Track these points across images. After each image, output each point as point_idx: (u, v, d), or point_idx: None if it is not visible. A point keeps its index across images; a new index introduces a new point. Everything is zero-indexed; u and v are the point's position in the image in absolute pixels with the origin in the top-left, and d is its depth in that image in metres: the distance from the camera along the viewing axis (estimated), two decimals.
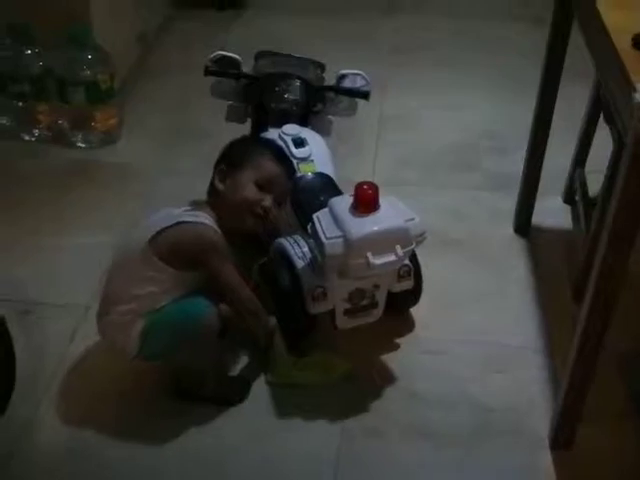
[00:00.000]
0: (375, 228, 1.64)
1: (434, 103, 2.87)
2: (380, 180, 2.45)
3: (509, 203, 2.31)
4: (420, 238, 1.71)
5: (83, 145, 2.60)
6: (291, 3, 3.58)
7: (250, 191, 1.72)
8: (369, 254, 1.63)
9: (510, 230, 2.28)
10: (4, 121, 2.63)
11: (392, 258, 1.65)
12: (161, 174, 2.48)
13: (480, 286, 2.09)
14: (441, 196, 2.41)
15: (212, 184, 1.75)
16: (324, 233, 1.65)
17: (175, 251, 1.61)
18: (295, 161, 1.93)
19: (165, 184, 2.42)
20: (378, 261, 1.63)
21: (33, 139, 2.63)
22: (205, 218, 1.66)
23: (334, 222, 1.67)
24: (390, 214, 1.68)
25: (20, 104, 2.59)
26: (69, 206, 2.34)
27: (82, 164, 2.53)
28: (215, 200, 1.73)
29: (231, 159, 1.77)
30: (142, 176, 2.48)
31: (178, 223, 1.63)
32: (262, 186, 1.73)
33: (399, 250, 1.65)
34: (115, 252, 1.72)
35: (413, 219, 1.70)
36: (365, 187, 1.68)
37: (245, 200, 1.71)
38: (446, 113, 2.82)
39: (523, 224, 2.27)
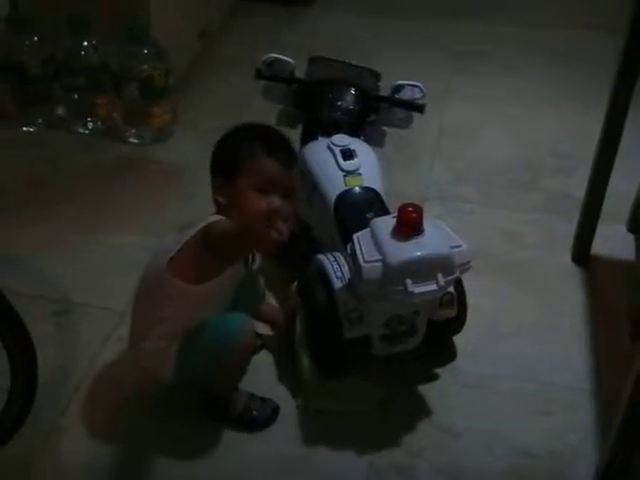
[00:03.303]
0: (417, 254, 1.55)
1: (497, 115, 2.74)
2: (433, 195, 2.39)
3: (569, 228, 2.18)
4: (465, 267, 1.61)
5: (135, 141, 2.57)
6: (358, 2, 3.48)
7: (253, 202, 1.55)
8: (408, 281, 1.53)
9: (568, 257, 2.15)
10: (59, 112, 2.63)
11: (432, 287, 1.55)
12: (208, 175, 2.42)
13: (530, 317, 1.97)
14: (497, 216, 2.30)
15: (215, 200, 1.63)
16: (363, 255, 1.57)
17: (190, 262, 1.53)
18: (342, 173, 1.86)
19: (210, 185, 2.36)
20: (417, 289, 1.54)
21: (86, 132, 2.61)
22: (214, 217, 1.56)
23: (374, 244, 1.58)
24: (434, 239, 1.58)
25: (75, 96, 2.57)
26: (114, 204, 2.31)
27: (132, 161, 2.50)
28: (222, 210, 1.60)
29: (223, 168, 1.63)
30: (190, 177, 2.42)
31: (191, 237, 1.53)
32: (263, 190, 1.57)
33: (441, 279, 1.55)
34: (140, 279, 1.65)
35: (459, 246, 1.60)
36: (409, 209, 1.58)
37: (253, 215, 1.48)
38: (509, 126, 2.69)
39: (582, 252, 2.13)
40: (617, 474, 1.51)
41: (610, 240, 2.16)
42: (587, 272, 2.10)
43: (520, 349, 1.88)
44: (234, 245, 1.49)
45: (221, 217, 1.55)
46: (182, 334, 1.55)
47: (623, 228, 2.23)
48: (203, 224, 1.53)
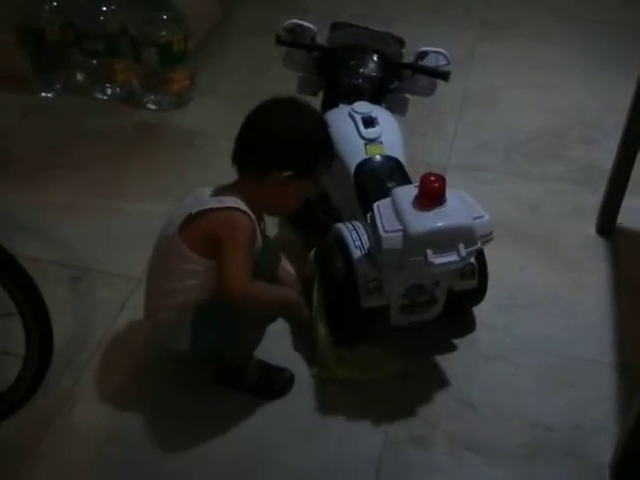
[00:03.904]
0: (438, 224, 1.52)
1: (523, 82, 2.68)
2: (456, 164, 2.35)
3: (594, 199, 2.14)
4: (487, 238, 1.57)
5: (154, 107, 2.55)
6: None
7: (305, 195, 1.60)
8: (429, 252, 1.51)
9: (592, 229, 2.10)
10: (78, 77, 2.61)
11: (454, 258, 1.52)
12: (228, 142, 2.37)
13: (553, 289, 1.93)
14: (521, 186, 2.25)
15: (248, 171, 1.56)
16: (383, 225, 1.54)
17: (205, 239, 1.49)
18: (363, 141, 1.82)
19: (230, 153, 2.29)
20: (438, 260, 1.51)
21: (105, 97, 2.59)
22: (234, 202, 1.51)
23: (395, 214, 1.55)
24: (456, 210, 1.55)
25: (94, 62, 2.55)
26: (131, 169, 2.30)
27: (150, 126, 2.48)
28: (252, 189, 1.54)
29: (299, 167, 1.53)
30: (208, 143, 2.40)
31: (206, 211, 1.50)
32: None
33: (462, 250, 1.52)
34: (153, 249, 1.63)
35: (482, 217, 1.56)
36: (432, 179, 1.55)
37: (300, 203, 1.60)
38: (535, 94, 2.64)
39: (607, 224, 2.09)
40: (634, 454, 1.49)
41: (635, 212, 2.11)
42: (612, 244, 2.06)
43: (541, 321, 1.85)
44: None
45: (235, 200, 1.51)
46: (196, 305, 1.53)
47: None
48: (221, 205, 1.49)
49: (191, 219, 1.50)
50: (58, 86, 2.59)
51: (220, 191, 1.56)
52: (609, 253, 2.03)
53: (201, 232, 1.49)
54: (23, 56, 2.53)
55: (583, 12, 3.07)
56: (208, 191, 1.56)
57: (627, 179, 2.03)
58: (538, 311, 1.87)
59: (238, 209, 1.49)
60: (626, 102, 1.97)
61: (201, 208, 1.50)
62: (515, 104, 2.59)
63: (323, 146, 1.58)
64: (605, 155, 2.27)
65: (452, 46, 2.32)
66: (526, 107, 2.58)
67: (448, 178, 2.19)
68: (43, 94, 2.59)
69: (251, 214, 1.50)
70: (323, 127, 1.59)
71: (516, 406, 1.66)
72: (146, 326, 1.64)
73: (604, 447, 1.57)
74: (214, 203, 1.51)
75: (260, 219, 1.57)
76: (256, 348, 1.63)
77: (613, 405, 1.66)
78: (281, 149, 1.53)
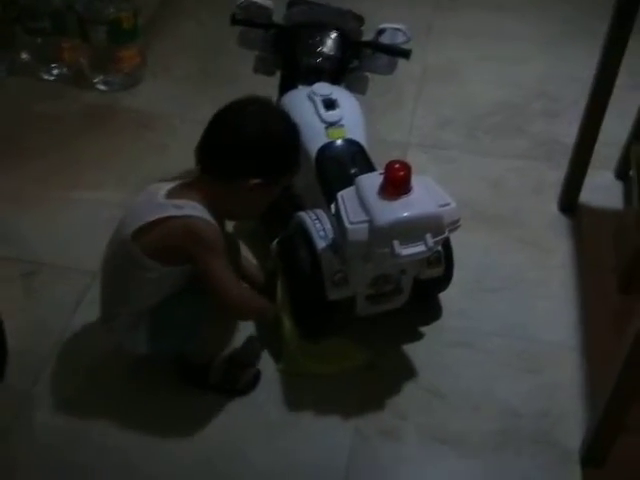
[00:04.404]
0: (404, 214, 1.48)
1: (482, 54, 2.63)
2: (416, 141, 2.31)
3: (556, 175, 2.12)
4: (454, 225, 1.54)
5: (103, 87, 2.45)
6: None
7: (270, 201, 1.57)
8: (395, 243, 1.47)
9: (555, 207, 2.08)
10: (22, 57, 2.49)
11: (421, 248, 1.49)
12: (183, 123, 2.33)
13: (517, 271, 1.92)
14: (482, 164, 2.22)
15: (213, 174, 1.49)
16: (348, 216, 1.50)
17: (163, 248, 1.44)
18: (324, 125, 1.77)
19: (186, 135, 2.16)
20: (405, 251, 1.48)
21: (52, 78, 2.48)
22: (193, 208, 1.44)
23: (360, 204, 1.51)
24: (422, 198, 1.51)
25: (39, 40, 2.43)
26: (81, 155, 2.20)
27: (100, 108, 2.38)
28: (215, 193, 1.48)
29: (269, 174, 1.50)
30: (163, 125, 2.32)
31: (165, 219, 1.43)
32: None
33: (429, 239, 1.49)
34: (105, 251, 1.57)
35: (448, 204, 1.53)
36: (397, 167, 1.51)
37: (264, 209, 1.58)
38: (494, 67, 2.59)
39: (570, 201, 2.07)
40: (604, 438, 1.49)
41: (598, 188, 2.10)
42: (575, 221, 2.05)
43: (507, 305, 1.83)
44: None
45: (195, 206, 1.45)
46: (152, 309, 1.48)
47: (611, 175, 2.17)
48: (180, 213, 1.43)
49: (146, 225, 1.43)
50: (2, 67, 2.46)
51: (178, 191, 1.49)
52: (572, 231, 2.02)
53: (159, 240, 1.43)
54: None
55: None
56: (164, 190, 1.49)
57: (590, 155, 2.00)
58: (504, 294, 1.86)
59: (200, 218, 1.43)
60: (586, 73, 1.94)
61: (158, 217, 1.43)
62: (475, 77, 2.55)
63: (295, 154, 1.54)
64: (567, 129, 2.25)
65: (409, 19, 2.27)
66: (486, 80, 2.54)
67: (409, 157, 2.19)
68: None
69: (212, 221, 1.45)
70: (296, 135, 1.54)
71: (485, 393, 1.65)
72: (102, 331, 1.58)
73: (573, 433, 1.58)
74: (172, 210, 1.44)
75: (222, 223, 1.52)
76: (223, 348, 1.59)
77: (580, 389, 1.66)
78: (252, 157, 1.48)
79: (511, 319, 1.80)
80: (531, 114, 2.41)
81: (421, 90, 2.48)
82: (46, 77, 2.48)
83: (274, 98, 1.90)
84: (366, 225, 1.48)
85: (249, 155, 1.48)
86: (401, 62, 1.97)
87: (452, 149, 2.27)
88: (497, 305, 1.83)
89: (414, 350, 1.72)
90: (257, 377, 1.64)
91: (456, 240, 1.71)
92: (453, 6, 2.87)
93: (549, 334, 1.77)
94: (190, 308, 1.48)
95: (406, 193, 1.50)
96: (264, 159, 1.49)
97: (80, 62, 2.45)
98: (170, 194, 1.48)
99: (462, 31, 2.72)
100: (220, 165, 1.49)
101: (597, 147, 1.99)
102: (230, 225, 1.80)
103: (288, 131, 1.54)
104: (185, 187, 1.50)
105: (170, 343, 1.52)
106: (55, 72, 2.48)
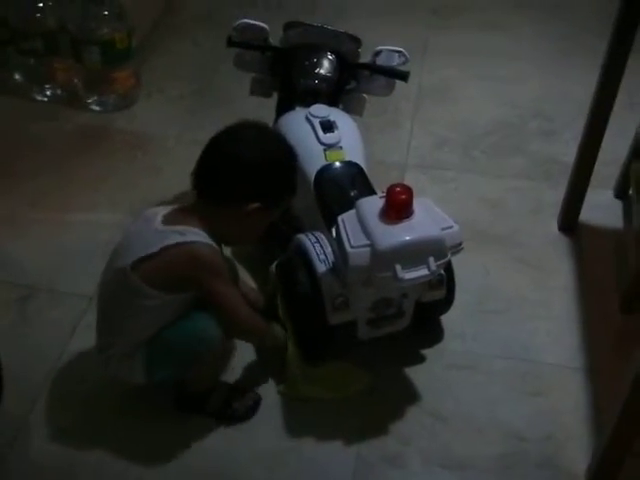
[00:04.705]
0: (407, 238, 1.46)
1: (477, 74, 2.63)
2: (415, 163, 2.30)
3: (555, 194, 2.11)
4: (457, 249, 1.53)
5: (97, 108, 2.43)
6: None
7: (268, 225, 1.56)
8: (398, 267, 1.45)
9: (555, 226, 2.07)
10: (15, 78, 2.47)
11: (424, 272, 1.47)
12: (178, 145, 2.31)
13: (518, 292, 1.90)
14: (481, 184, 2.20)
15: (210, 199, 1.48)
16: (349, 240, 1.48)
17: (167, 276, 1.42)
18: (322, 147, 1.75)
19: (181, 156, 2.21)
20: (407, 275, 1.46)
21: (45, 99, 2.46)
22: (195, 234, 1.43)
23: (361, 228, 1.49)
24: (424, 222, 1.49)
25: (32, 61, 2.41)
26: (76, 177, 2.18)
27: (94, 129, 2.36)
28: (213, 218, 1.46)
29: (267, 199, 1.49)
30: (157, 146, 2.30)
31: (163, 249, 1.41)
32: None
33: (432, 263, 1.47)
34: (101, 279, 1.54)
35: (451, 227, 1.51)
36: (398, 190, 1.49)
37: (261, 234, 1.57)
38: (490, 86, 2.58)
39: (569, 220, 2.06)
40: (610, 464, 1.47)
41: (597, 207, 2.08)
42: (575, 241, 2.03)
43: (509, 326, 1.81)
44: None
45: (198, 233, 1.43)
46: (149, 339, 1.46)
47: (610, 194, 2.15)
48: (184, 239, 1.41)
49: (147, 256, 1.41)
50: None
51: (175, 217, 1.47)
52: (572, 250, 2.00)
53: (163, 268, 1.41)
54: None
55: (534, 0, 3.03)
56: (160, 215, 1.47)
57: (589, 174, 1.99)
58: (506, 316, 1.84)
59: (203, 243, 1.42)
60: (583, 92, 1.94)
61: (161, 246, 1.41)
62: (471, 97, 2.54)
63: (292, 178, 1.52)
64: (564, 148, 2.26)
65: (404, 38, 2.27)
66: (482, 99, 2.53)
67: (408, 178, 2.18)
68: None
69: (215, 245, 1.43)
70: (293, 158, 1.53)
71: (488, 416, 1.63)
72: (98, 362, 1.55)
73: (578, 456, 1.55)
74: (175, 236, 1.41)
75: (221, 247, 1.50)
76: (217, 375, 1.56)
77: (585, 412, 1.64)
78: (250, 182, 1.46)
79: (513, 341, 1.78)
80: (528, 133, 2.40)
81: (417, 110, 2.46)
82: (39, 98, 2.45)
83: (270, 120, 1.89)
84: (368, 249, 1.46)
85: (247, 180, 1.47)
86: (397, 82, 1.96)
87: (450, 169, 2.25)
88: (499, 327, 1.81)
89: (416, 373, 1.70)
90: (257, 402, 1.61)
91: (456, 261, 1.69)
92: (447, 25, 2.86)
93: (552, 356, 1.75)
94: (186, 336, 1.45)
95: (408, 217, 1.49)
96: (262, 184, 1.48)
97: (74, 83, 2.43)
98: (167, 220, 1.46)
99: (457, 50, 2.72)
100: (217, 191, 1.47)
101: (596, 166, 1.98)
102: (227, 248, 1.77)
103: (285, 155, 1.53)
104: (182, 212, 1.48)
105: (167, 372, 1.49)
106: (48, 93, 2.45)
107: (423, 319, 1.71)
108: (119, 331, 1.48)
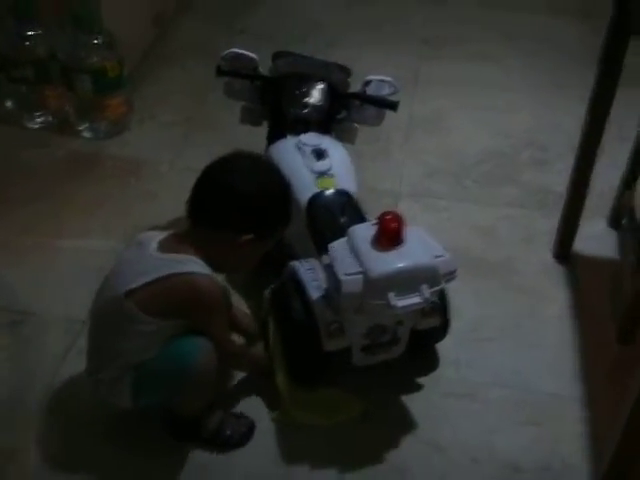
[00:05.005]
0: (399, 265, 1.46)
1: (468, 103, 2.64)
2: (406, 191, 2.29)
3: (548, 223, 2.10)
4: (450, 276, 1.52)
5: (89, 135, 2.42)
6: None
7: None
8: (391, 294, 1.44)
9: (549, 255, 2.06)
10: (6, 105, 2.46)
11: (417, 300, 1.46)
12: (171, 170, 2.30)
13: (513, 320, 1.88)
14: (473, 212, 2.20)
15: (204, 228, 1.48)
16: (341, 268, 1.47)
17: (163, 304, 1.41)
18: (314, 175, 1.75)
19: (174, 182, 2.22)
20: (400, 303, 1.45)
21: (36, 126, 2.45)
22: (194, 263, 1.43)
23: (353, 255, 1.48)
24: (416, 249, 1.49)
25: (23, 89, 2.40)
26: (69, 203, 2.16)
27: (86, 156, 2.35)
28: (208, 246, 1.46)
29: (261, 231, 1.50)
30: (150, 172, 2.29)
31: (161, 278, 1.41)
32: None
33: (425, 291, 1.46)
34: (93, 305, 1.53)
35: (442, 256, 1.51)
36: (389, 218, 1.49)
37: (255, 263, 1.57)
38: (482, 115, 2.59)
39: (563, 249, 2.05)
40: None
41: (591, 236, 2.08)
42: (569, 270, 2.02)
43: (504, 355, 1.80)
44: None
45: (196, 261, 1.43)
46: (137, 364, 1.44)
47: (604, 223, 2.15)
48: (183, 270, 1.41)
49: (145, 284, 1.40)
50: None
51: (170, 243, 1.46)
52: (567, 279, 1.99)
53: (160, 296, 1.41)
54: None
55: (526, 29, 3.05)
56: (155, 241, 1.46)
57: (582, 203, 1.99)
58: (500, 344, 1.82)
59: (203, 275, 1.42)
60: (574, 123, 1.95)
61: (158, 275, 1.40)
62: (462, 126, 2.54)
63: (286, 209, 1.53)
64: (557, 178, 2.26)
65: (396, 67, 2.28)
66: (474, 129, 2.53)
67: (400, 206, 2.17)
68: None
69: (214, 275, 1.44)
70: (287, 190, 1.54)
71: (484, 446, 1.61)
72: (88, 385, 1.53)
73: None
74: (173, 265, 1.41)
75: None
76: (208, 399, 1.54)
77: (582, 441, 1.62)
78: (244, 214, 1.46)
79: (509, 369, 1.76)
80: (520, 163, 2.40)
81: (408, 139, 2.47)
82: (30, 125, 2.44)
83: (262, 147, 1.89)
84: (360, 277, 1.45)
85: (240, 212, 1.47)
86: (389, 112, 1.97)
87: (442, 198, 2.25)
88: (494, 355, 1.79)
89: (411, 401, 1.68)
90: (251, 429, 1.59)
91: (451, 288, 1.68)
92: (439, 55, 2.88)
93: (548, 384, 1.73)
94: (172, 361, 1.43)
95: (400, 244, 1.48)
96: (255, 216, 1.48)
97: (65, 110, 2.42)
98: (163, 247, 1.45)
99: (448, 80, 2.73)
100: (211, 221, 1.47)
101: (589, 196, 1.99)
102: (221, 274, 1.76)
103: (279, 186, 1.53)
104: (177, 239, 1.47)
105: (153, 396, 1.47)
106: (40, 120, 2.45)
107: (418, 346, 1.70)
108: (110, 355, 1.46)
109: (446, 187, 2.30)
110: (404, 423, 1.64)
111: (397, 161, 2.38)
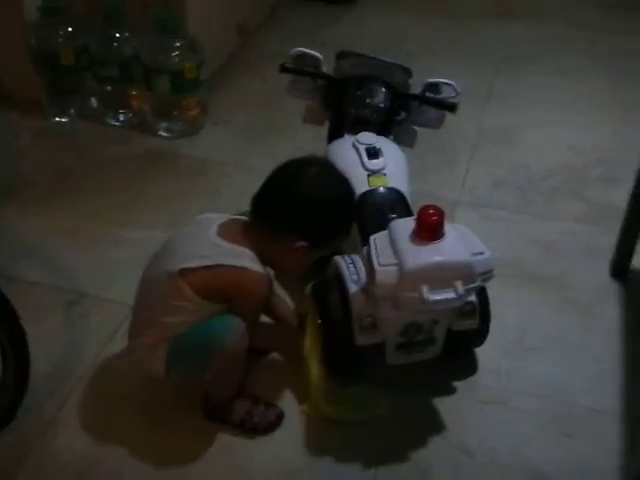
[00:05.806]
0: (434, 259, 1.45)
1: (542, 120, 2.61)
2: (467, 200, 2.29)
3: (608, 240, 2.05)
4: (487, 276, 1.50)
5: (165, 134, 2.53)
6: (402, 2, 3.37)
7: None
8: (424, 288, 1.44)
9: (605, 272, 2.01)
10: (91, 103, 2.60)
11: (450, 295, 1.45)
12: (236, 171, 2.37)
13: (561, 333, 1.85)
14: (534, 225, 2.17)
15: (265, 228, 1.53)
16: (378, 258, 1.48)
17: (212, 289, 1.48)
18: (366, 172, 1.78)
19: (238, 182, 2.29)
20: (433, 297, 1.44)
21: (118, 124, 2.58)
22: (249, 259, 1.49)
23: (391, 247, 1.49)
24: (455, 245, 1.48)
25: (108, 87, 2.54)
26: (138, 197, 2.26)
27: (160, 154, 2.46)
28: (265, 244, 1.52)
29: (316, 240, 1.53)
30: (217, 172, 2.37)
31: (219, 265, 1.47)
32: None
33: (460, 287, 1.45)
34: (145, 272, 1.61)
35: (482, 253, 1.49)
36: (430, 211, 1.49)
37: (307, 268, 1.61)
38: (554, 132, 2.56)
39: (621, 267, 2.00)
40: None
41: None
42: (625, 288, 1.97)
43: (547, 366, 1.76)
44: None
45: (252, 257, 1.50)
46: (173, 337, 1.50)
47: None
48: (238, 264, 1.47)
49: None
50: (72, 111, 2.58)
51: (230, 230, 1.52)
52: (622, 297, 1.94)
53: (212, 282, 1.48)
54: (37, 81, 2.53)
55: (604, 49, 3.00)
56: (216, 225, 1.53)
57: None
58: (544, 355, 1.79)
59: (255, 272, 1.48)
60: None
61: (219, 262, 1.47)
62: (532, 141, 2.52)
63: (346, 223, 1.57)
64: (624, 196, 2.18)
65: (471, 82, 2.28)
66: (545, 145, 2.50)
67: (459, 215, 2.16)
68: (57, 119, 2.57)
69: (265, 271, 1.50)
70: (350, 203, 1.58)
71: (515, 455, 1.58)
72: (127, 350, 1.60)
73: None
74: (232, 259, 1.47)
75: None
76: (236, 383, 1.58)
77: (617, 459, 1.56)
78: (302, 221, 1.51)
79: (549, 380, 1.73)
80: (589, 179, 2.36)
81: (475, 150, 2.46)
82: (112, 122, 2.57)
83: (321, 148, 1.93)
84: (395, 268, 1.46)
85: (299, 218, 1.51)
86: (458, 122, 1.97)
87: (502, 209, 2.23)
88: (536, 365, 1.76)
89: (444, 404, 1.67)
90: (280, 417, 1.61)
91: (499, 297, 1.68)
92: (515, 72, 2.86)
93: (588, 399, 1.69)
94: (201, 335, 1.48)
95: (438, 238, 1.48)
96: (313, 225, 1.52)
97: (144, 109, 2.54)
98: (222, 233, 1.52)
99: (522, 95, 2.71)
100: (269, 221, 1.52)
101: None
102: None
103: (343, 199, 1.56)
104: (236, 227, 1.54)
105: (183, 370, 1.52)
106: (121, 118, 2.57)
107: (455, 348, 1.68)
108: (150, 324, 1.52)
109: (510, 199, 2.28)
110: (434, 425, 1.63)
111: (461, 171, 2.37)
